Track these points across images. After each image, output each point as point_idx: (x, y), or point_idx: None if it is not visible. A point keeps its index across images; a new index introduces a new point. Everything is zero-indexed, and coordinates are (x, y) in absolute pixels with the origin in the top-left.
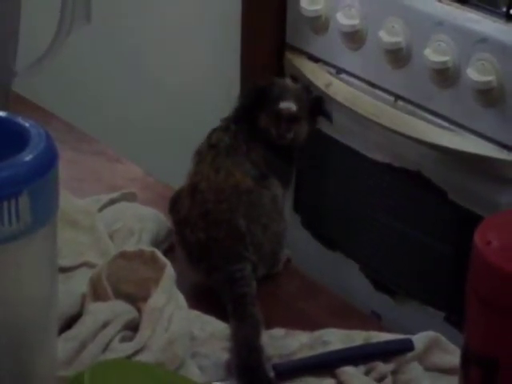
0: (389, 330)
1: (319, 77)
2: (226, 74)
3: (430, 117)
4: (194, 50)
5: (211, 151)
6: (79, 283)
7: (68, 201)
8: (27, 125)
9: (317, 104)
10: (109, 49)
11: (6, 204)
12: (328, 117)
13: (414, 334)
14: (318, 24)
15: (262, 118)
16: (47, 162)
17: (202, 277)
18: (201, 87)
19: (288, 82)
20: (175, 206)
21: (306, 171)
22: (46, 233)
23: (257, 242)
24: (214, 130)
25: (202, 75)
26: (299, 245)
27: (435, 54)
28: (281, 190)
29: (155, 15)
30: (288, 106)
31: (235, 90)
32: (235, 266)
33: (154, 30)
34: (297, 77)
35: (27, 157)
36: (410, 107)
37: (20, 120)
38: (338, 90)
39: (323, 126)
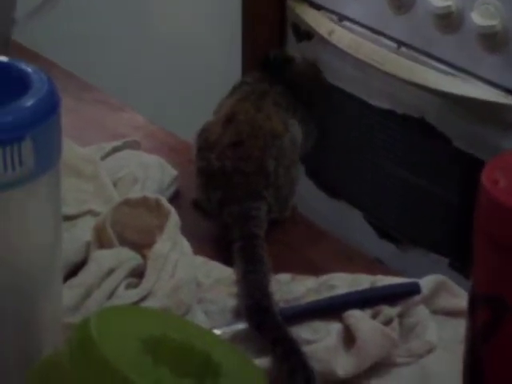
0: (395, 275)
1: (322, 24)
2: (227, 23)
3: (433, 63)
4: (195, 4)
5: (253, 93)
6: (83, 231)
7: (70, 149)
8: (29, 70)
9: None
10: None
11: (8, 149)
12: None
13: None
14: None
15: None
16: (50, 107)
17: (213, 209)
18: (202, 36)
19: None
20: (203, 132)
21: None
22: (49, 179)
23: (278, 184)
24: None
25: (203, 24)
26: (303, 194)
27: None
28: (301, 134)
29: None
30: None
31: (236, 39)
32: (253, 204)
33: None
34: (299, 25)
35: (29, 101)
36: (413, 53)
37: (21, 65)
38: (341, 37)
39: (326, 74)
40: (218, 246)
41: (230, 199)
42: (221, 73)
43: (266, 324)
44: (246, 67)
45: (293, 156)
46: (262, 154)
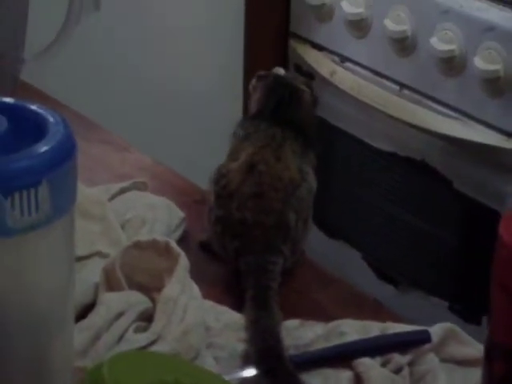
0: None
1: (323, 65)
2: (230, 66)
3: (435, 106)
4: (198, 42)
5: (273, 139)
6: (92, 272)
7: (79, 190)
8: (46, 113)
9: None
10: (113, 35)
11: (25, 194)
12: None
13: (417, 323)
14: (323, 12)
15: None
16: (66, 152)
17: (228, 256)
18: (206, 78)
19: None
20: (221, 179)
21: None
22: (64, 223)
23: (297, 238)
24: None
25: (207, 65)
26: None
27: (441, 42)
28: (315, 182)
29: (159, 7)
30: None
31: (238, 79)
32: (270, 257)
33: (157, 14)
34: (300, 65)
35: (46, 146)
36: (415, 96)
37: (37, 108)
38: (343, 78)
39: (328, 115)
40: (227, 290)
41: (247, 250)
42: (225, 115)
43: (278, 370)
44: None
45: (309, 206)
46: (283, 207)
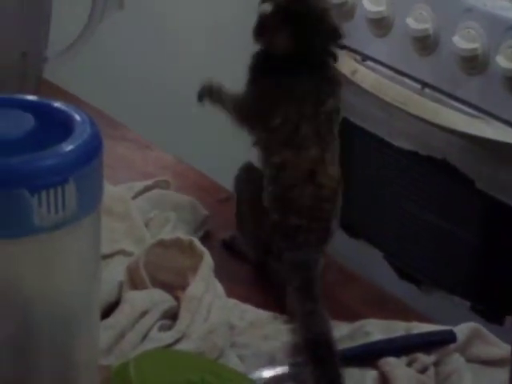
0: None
1: (345, 64)
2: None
3: (457, 105)
4: (219, 40)
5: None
6: (115, 271)
7: None
8: (71, 111)
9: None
10: (137, 34)
11: (52, 192)
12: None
13: (439, 323)
14: (344, 10)
15: None
16: (92, 150)
17: (258, 252)
18: (231, 76)
19: None
20: (277, 176)
21: None
22: (91, 221)
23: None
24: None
25: (226, 61)
26: None
27: (464, 41)
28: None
29: (182, 7)
30: (263, 8)
31: None
32: (317, 256)
33: (181, 13)
34: None
35: (72, 145)
36: (437, 95)
37: (64, 106)
38: (364, 77)
39: (349, 114)
40: (251, 288)
41: (295, 248)
42: None
43: (327, 360)
44: None
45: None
46: (330, 215)
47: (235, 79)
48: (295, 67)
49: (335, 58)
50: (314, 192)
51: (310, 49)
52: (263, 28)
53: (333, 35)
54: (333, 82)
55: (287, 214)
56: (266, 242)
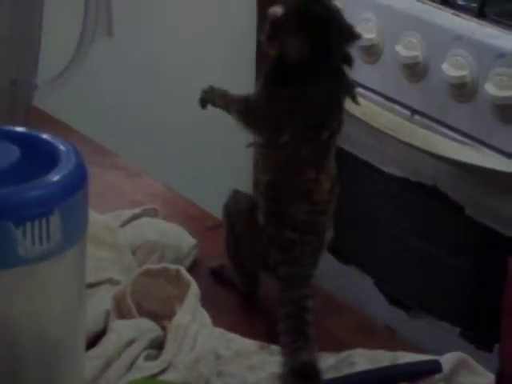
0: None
1: None
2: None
3: (447, 131)
4: (211, 68)
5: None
6: (102, 299)
7: (90, 216)
8: (57, 142)
9: (321, 21)
10: (126, 61)
11: (37, 223)
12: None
13: (428, 349)
14: None
15: None
16: (78, 181)
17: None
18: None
19: None
20: (272, 191)
21: None
22: (75, 252)
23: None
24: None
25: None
26: None
27: (453, 68)
28: None
29: (170, 27)
30: (273, 11)
31: None
32: (311, 271)
33: (169, 41)
34: None
35: (58, 176)
36: (426, 122)
37: (49, 137)
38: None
39: (340, 140)
40: (238, 317)
41: (290, 263)
42: (239, 142)
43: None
44: None
45: None
46: (324, 227)
47: None
48: (308, 75)
49: (351, 62)
50: (310, 208)
51: (325, 53)
52: (275, 32)
53: (349, 36)
54: (340, 106)
55: (283, 229)
56: (256, 267)
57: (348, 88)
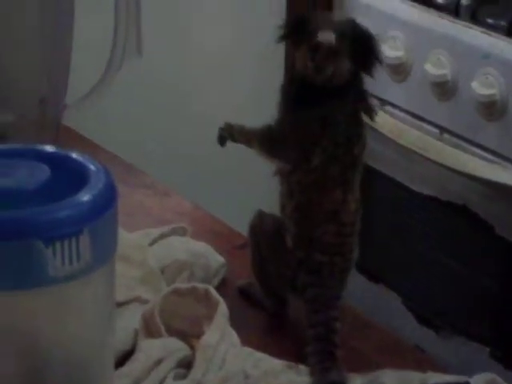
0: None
1: None
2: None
3: (476, 150)
4: (235, 84)
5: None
6: (131, 318)
7: (119, 235)
8: (86, 161)
9: (364, 41)
10: (158, 82)
11: (67, 243)
12: (376, 58)
13: (457, 369)
14: None
15: (299, 52)
16: (107, 201)
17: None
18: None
19: (332, 14)
20: (303, 220)
21: None
22: (105, 271)
23: None
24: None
25: (248, 108)
26: None
27: (482, 86)
28: None
29: (196, 47)
30: (327, 36)
31: None
32: (339, 293)
33: (196, 61)
34: None
35: (87, 195)
36: (455, 140)
37: (79, 156)
38: (383, 122)
39: (368, 158)
40: (266, 337)
41: (319, 285)
42: (264, 161)
43: None
44: None
45: None
46: (352, 247)
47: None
48: (334, 96)
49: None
50: (337, 230)
51: (356, 78)
52: (330, 57)
53: (376, 62)
54: (363, 123)
55: (311, 252)
56: (283, 289)
57: (368, 107)
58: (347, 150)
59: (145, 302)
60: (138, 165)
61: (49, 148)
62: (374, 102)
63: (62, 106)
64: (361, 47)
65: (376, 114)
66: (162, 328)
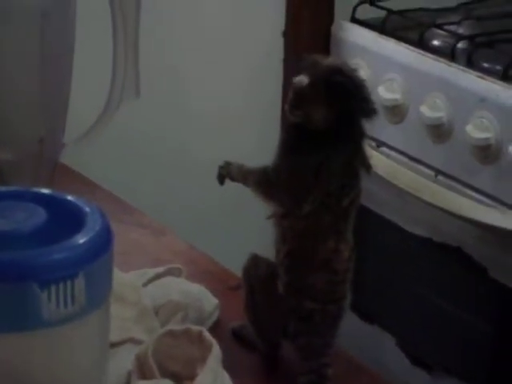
0: None
1: None
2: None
3: (471, 193)
4: (237, 127)
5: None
6: (124, 359)
7: (114, 275)
8: (83, 204)
9: (344, 88)
10: (155, 123)
11: (62, 286)
12: (360, 105)
13: None
14: None
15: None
16: (103, 244)
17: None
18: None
19: (325, 58)
20: (293, 267)
21: None
22: (99, 313)
23: None
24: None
25: (247, 146)
26: None
27: (477, 130)
28: None
29: (198, 94)
30: (299, 80)
31: None
32: (332, 341)
33: (198, 108)
34: None
35: (84, 238)
36: (451, 182)
37: (75, 199)
38: (379, 163)
39: (363, 199)
40: (259, 380)
41: (310, 332)
42: (260, 201)
43: None
44: None
45: None
46: (344, 294)
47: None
48: (328, 144)
49: (363, 136)
50: (329, 277)
51: (347, 122)
52: (300, 101)
53: (369, 110)
54: (358, 174)
55: (302, 299)
56: (276, 333)
57: (363, 157)
58: (340, 200)
59: (138, 342)
60: (135, 203)
61: (45, 191)
62: (370, 153)
63: (59, 146)
64: (338, 94)
65: (371, 168)
66: (156, 369)
